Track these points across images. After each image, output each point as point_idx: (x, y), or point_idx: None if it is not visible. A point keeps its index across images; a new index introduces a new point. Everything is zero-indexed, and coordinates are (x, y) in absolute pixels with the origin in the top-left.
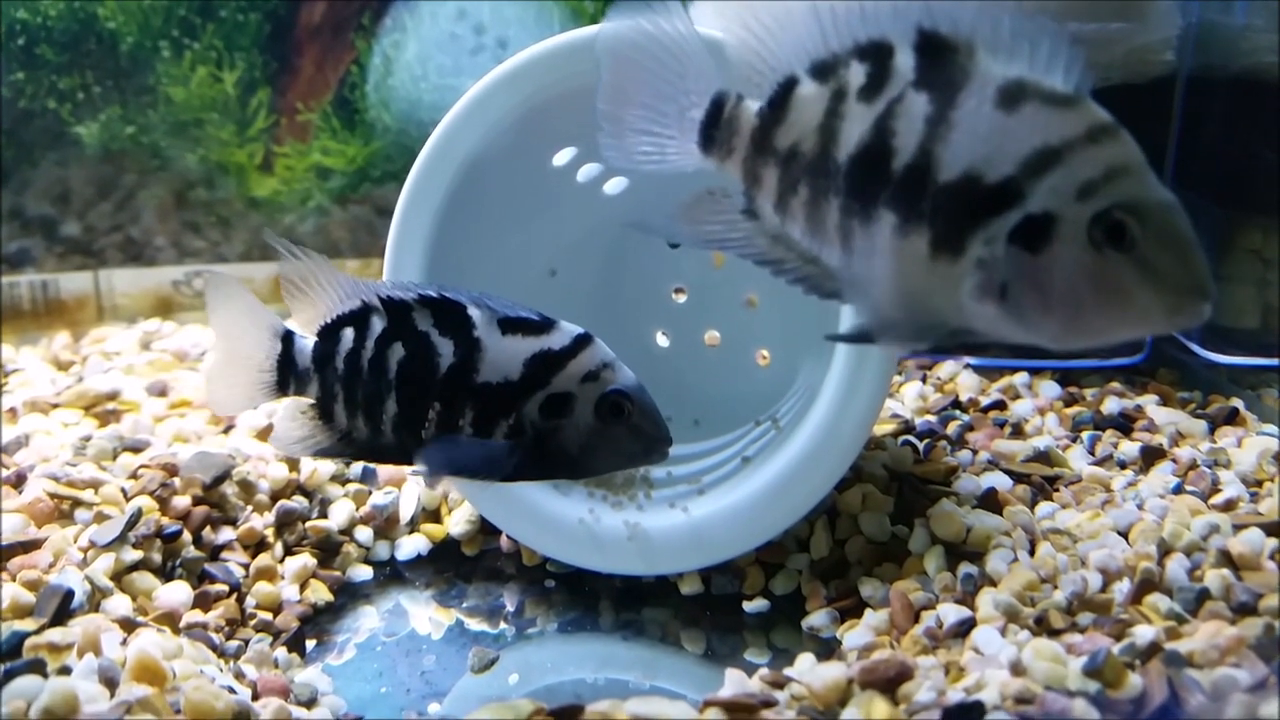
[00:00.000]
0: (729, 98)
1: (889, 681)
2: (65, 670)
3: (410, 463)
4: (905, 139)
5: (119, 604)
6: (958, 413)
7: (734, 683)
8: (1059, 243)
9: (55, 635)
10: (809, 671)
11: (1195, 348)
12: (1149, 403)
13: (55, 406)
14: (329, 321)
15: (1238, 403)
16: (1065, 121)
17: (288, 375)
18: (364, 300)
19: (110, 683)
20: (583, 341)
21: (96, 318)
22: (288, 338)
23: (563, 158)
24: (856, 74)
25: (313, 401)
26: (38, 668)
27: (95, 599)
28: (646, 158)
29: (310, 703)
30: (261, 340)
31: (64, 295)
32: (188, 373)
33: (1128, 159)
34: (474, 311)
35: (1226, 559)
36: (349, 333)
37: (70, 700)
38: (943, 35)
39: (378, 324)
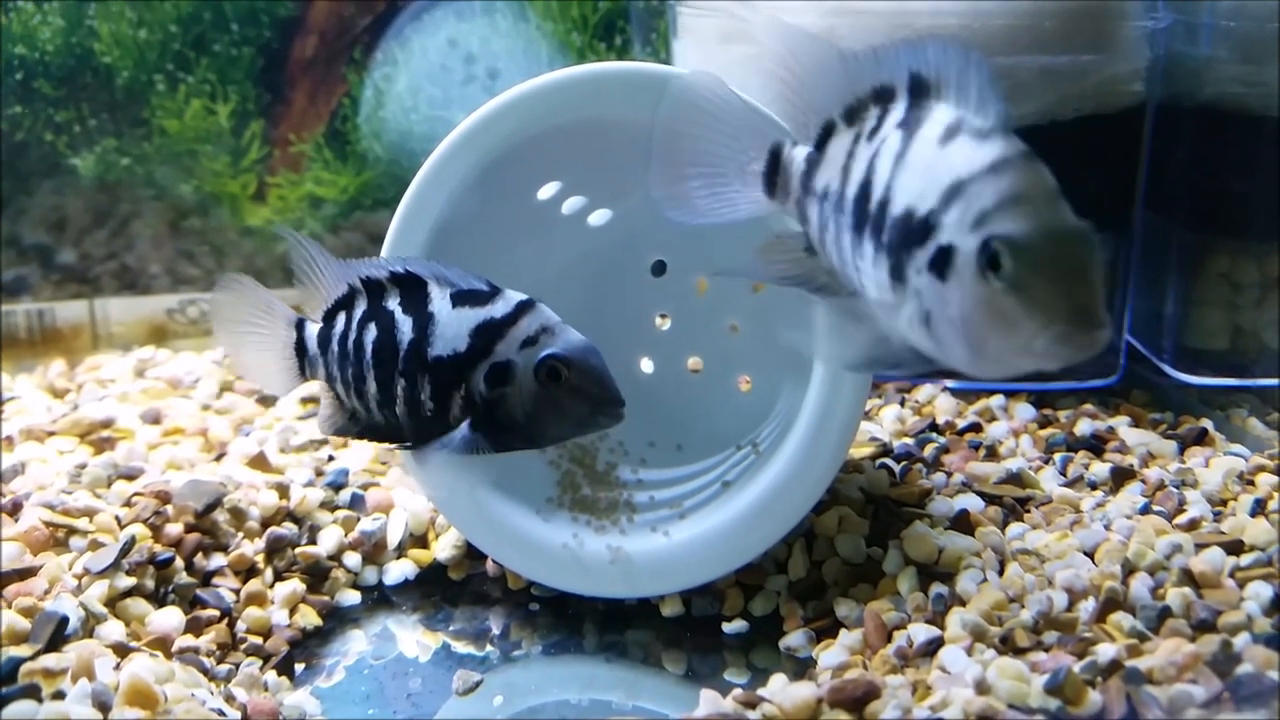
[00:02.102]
0: (785, 145)
1: (857, 701)
2: (59, 695)
3: (402, 440)
4: (880, 175)
5: (112, 629)
6: (934, 435)
7: (708, 703)
8: (956, 272)
9: (50, 661)
10: (780, 691)
11: (1167, 369)
12: (1121, 424)
13: (51, 434)
14: (328, 307)
15: (1207, 423)
16: (975, 154)
17: (303, 361)
18: (349, 283)
19: (104, 707)
20: (524, 308)
21: (92, 345)
22: (300, 325)
23: (547, 191)
24: (871, 116)
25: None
26: (33, 693)
27: (89, 625)
28: (718, 213)
29: None
30: (278, 330)
31: (60, 323)
32: (181, 400)
33: (1024, 189)
34: (432, 287)
35: (1188, 577)
36: (341, 316)
37: None
38: (923, 76)
39: (360, 306)
